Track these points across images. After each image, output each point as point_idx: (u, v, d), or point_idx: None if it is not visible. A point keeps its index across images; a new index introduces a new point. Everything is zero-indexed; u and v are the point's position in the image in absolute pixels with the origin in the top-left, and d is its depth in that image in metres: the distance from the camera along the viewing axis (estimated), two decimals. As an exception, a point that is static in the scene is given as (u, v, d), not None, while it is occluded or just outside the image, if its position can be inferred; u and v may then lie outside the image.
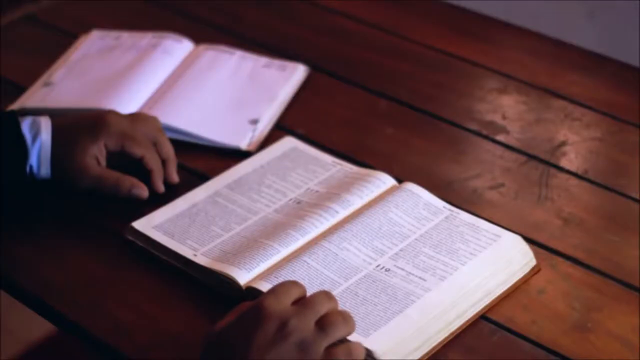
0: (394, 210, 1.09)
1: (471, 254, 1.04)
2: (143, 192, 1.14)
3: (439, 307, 0.98)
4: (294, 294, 0.91)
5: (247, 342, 0.87)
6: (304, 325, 0.88)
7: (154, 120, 1.20)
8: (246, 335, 0.87)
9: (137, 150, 1.15)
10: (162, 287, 1.05)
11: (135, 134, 1.16)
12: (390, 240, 1.06)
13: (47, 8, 1.54)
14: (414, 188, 1.12)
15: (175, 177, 1.18)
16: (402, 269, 1.02)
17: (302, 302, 0.90)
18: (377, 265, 1.03)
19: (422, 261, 1.03)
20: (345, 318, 0.90)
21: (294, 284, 0.93)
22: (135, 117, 1.19)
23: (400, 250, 1.05)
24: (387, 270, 1.03)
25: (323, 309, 0.90)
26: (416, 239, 1.06)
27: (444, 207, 1.11)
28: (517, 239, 1.06)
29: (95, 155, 1.14)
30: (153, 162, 1.16)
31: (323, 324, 0.89)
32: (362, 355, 0.91)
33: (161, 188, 1.16)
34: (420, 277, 1.01)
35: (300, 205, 1.12)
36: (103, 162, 1.15)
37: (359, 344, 0.91)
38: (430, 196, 1.11)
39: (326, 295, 0.92)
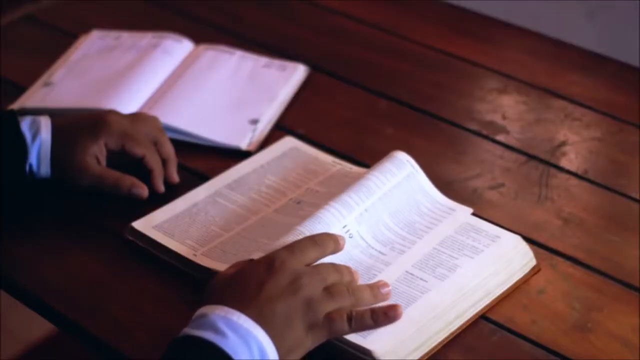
0: (394, 211, 1.09)
1: (471, 254, 1.04)
2: (143, 191, 1.14)
3: (439, 307, 0.98)
4: (310, 256, 0.95)
5: (258, 289, 0.90)
6: (314, 285, 0.92)
7: (154, 120, 1.20)
8: (258, 282, 0.91)
9: (138, 150, 1.15)
10: (162, 287, 1.05)
11: (136, 134, 1.16)
12: (391, 241, 1.06)
13: (47, 8, 1.54)
14: (420, 181, 1.11)
15: (175, 177, 1.18)
16: (402, 269, 1.02)
17: (314, 266, 0.94)
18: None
19: (421, 261, 1.03)
20: (353, 292, 0.94)
21: (312, 244, 0.96)
22: (135, 117, 1.19)
23: (400, 250, 1.05)
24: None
25: (331, 277, 0.94)
26: (416, 239, 1.06)
27: (444, 207, 1.11)
28: (517, 239, 1.06)
29: (96, 154, 1.14)
30: (153, 162, 1.16)
31: (331, 290, 0.93)
32: (367, 325, 0.93)
33: (161, 188, 1.16)
34: (420, 277, 1.01)
35: (300, 205, 1.12)
36: (103, 161, 1.15)
37: (363, 315, 0.93)
38: (436, 192, 1.11)
39: (334, 267, 0.96)
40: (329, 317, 0.92)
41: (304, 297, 0.91)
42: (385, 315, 0.94)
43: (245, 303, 0.89)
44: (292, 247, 0.95)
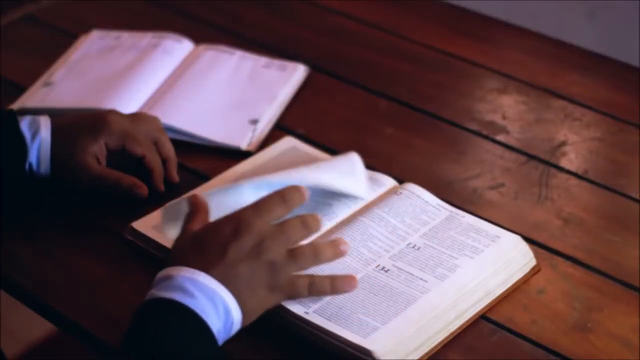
0: (394, 211, 1.09)
1: (471, 254, 1.04)
2: (143, 191, 1.14)
3: (439, 307, 0.98)
4: (275, 214, 0.96)
5: (223, 250, 0.93)
6: (277, 248, 0.94)
7: (154, 119, 1.20)
8: (222, 244, 0.93)
9: (138, 150, 1.15)
10: (162, 287, 1.05)
11: (136, 134, 1.16)
12: (390, 241, 1.06)
13: (47, 8, 1.54)
14: (414, 188, 1.12)
15: (175, 177, 1.18)
16: (402, 270, 1.02)
17: (279, 225, 0.95)
18: (377, 266, 1.03)
19: (421, 261, 1.03)
20: (316, 251, 0.96)
21: (277, 202, 0.97)
22: (136, 117, 1.19)
23: (400, 250, 1.05)
24: (387, 270, 1.03)
25: (297, 236, 0.96)
26: (416, 240, 1.06)
27: (444, 207, 1.11)
28: (517, 239, 1.06)
29: (96, 154, 1.14)
30: (153, 162, 1.16)
31: (294, 252, 0.95)
32: (325, 289, 0.96)
33: (161, 188, 1.16)
34: (420, 278, 1.01)
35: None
36: (103, 161, 1.15)
37: (323, 281, 0.96)
38: (430, 196, 1.11)
39: (302, 223, 0.96)
40: (291, 282, 0.95)
41: (267, 261, 0.93)
42: (343, 284, 0.97)
43: (210, 264, 0.92)
44: (258, 206, 0.96)
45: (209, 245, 0.94)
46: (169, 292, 0.90)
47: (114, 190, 1.14)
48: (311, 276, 0.96)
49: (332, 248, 0.97)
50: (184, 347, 0.88)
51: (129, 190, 1.14)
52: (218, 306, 0.90)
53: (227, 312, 0.91)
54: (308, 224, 0.97)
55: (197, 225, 0.98)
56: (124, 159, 1.16)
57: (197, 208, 1.00)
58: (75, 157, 1.13)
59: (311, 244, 0.97)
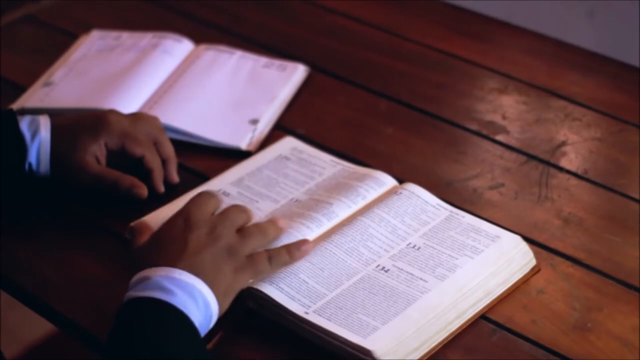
0: (394, 211, 1.09)
1: (471, 254, 1.04)
2: (142, 191, 1.14)
3: (439, 307, 0.98)
4: (212, 205, 1.01)
5: (184, 243, 0.96)
6: (228, 232, 0.98)
7: (154, 119, 1.20)
8: (181, 239, 0.96)
9: (138, 150, 1.15)
10: (162, 287, 1.05)
11: (136, 134, 1.16)
12: (390, 241, 1.06)
13: (47, 8, 1.54)
14: (414, 188, 1.12)
15: (175, 177, 1.18)
16: (402, 270, 1.02)
17: (221, 213, 1.01)
18: (377, 266, 1.03)
19: (421, 261, 1.03)
20: (261, 229, 1.01)
21: (209, 196, 1.02)
22: (136, 117, 1.19)
23: (400, 250, 1.05)
24: (387, 270, 1.03)
25: (240, 219, 1.01)
26: (416, 240, 1.06)
27: (444, 207, 1.11)
28: (517, 239, 1.06)
29: (95, 153, 1.14)
30: (153, 162, 1.16)
31: (243, 232, 1.00)
32: (284, 259, 1.00)
33: (161, 188, 1.16)
34: (420, 278, 1.01)
35: (300, 205, 1.12)
36: (103, 161, 1.15)
37: (279, 251, 1.01)
38: (430, 196, 1.11)
39: (238, 208, 1.02)
40: (252, 259, 0.98)
41: (224, 244, 0.97)
42: (299, 250, 1.01)
43: (176, 258, 0.94)
44: (194, 201, 1.01)
45: (168, 241, 0.97)
46: (148, 291, 0.91)
47: (113, 190, 1.14)
48: (268, 250, 1.00)
49: (273, 225, 1.03)
50: (169, 343, 0.89)
51: (128, 190, 1.14)
52: (197, 300, 0.92)
53: (206, 304, 0.93)
54: (243, 208, 1.02)
55: (145, 237, 1.01)
56: (124, 159, 1.16)
57: (141, 229, 1.04)
58: (74, 156, 1.13)
59: (256, 224, 1.02)
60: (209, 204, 1.01)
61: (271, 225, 1.03)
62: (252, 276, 0.99)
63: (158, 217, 1.10)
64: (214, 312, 0.94)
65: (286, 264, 1.01)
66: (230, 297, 0.97)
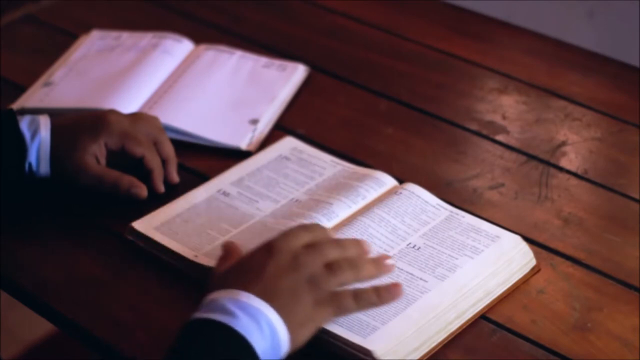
0: (394, 211, 1.09)
1: (471, 254, 1.04)
2: (142, 191, 1.14)
3: (439, 307, 0.98)
4: (304, 238, 0.95)
5: (260, 270, 0.91)
6: (313, 262, 0.92)
7: (154, 119, 1.20)
8: (259, 264, 0.92)
9: (138, 150, 1.15)
10: (162, 287, 1.05)
11: (136, 134, 1.16)
12: (390, 241, 1.06)
13: (47, 8, 1.54)
14: (414, 188, 1.12)
15: (175, 177, 1.18)
16: (402, 270, 1.02)
17: (312, 244, 0.94)
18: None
19: (421, 261, 1.03)
20: (354, 265, 0.94)
21: (304, 228, 0.96)
22: (136, 117, 1.19)
23: (400, 250, 1.05)
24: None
25: (331, 253, 0.94)
26: (416, 240, 1.06)
27: (444, 207, 1.11)
28: (517, 239, 1.06)
29: (95, 154, 1.14)
30: (153, 162, 1.16)
31: (331, 266, 0.93)
32: (371, 299, 0.93)
33: (161, 188, 1.16)
34: (420, 278, 1.01)
35: (301, 205, 1.12)
36: (103, 161, 1.15)
37: (367, 292, 0.93)
38: (430, 196, 1.11)
39: (334, 242, 0.96)
40: (336, 295, 0.92)
41: (306, 274, 0.92)
42: (388, 292, 0.94)
43: (249, 284, 0.90)
44: (284, 233, 0.96)
45: (245, 269, 0.93)
46: (210, 313, 0.88)
47: (113, 190, 1.14)
48: (355, 289, 0.94)
49: (374, 263, 0.96)
50: None
51: (128, 190, 1.14)
52: (262, 325, 0.88)
53: (272, 328, 0.88)
54: (343, 244, 0.96)
55: (229, 262, 0.97)
56: (124, 159, 1.16)
57: (232, 253, 0.99)
58: (74, 156, 1.13)
59: (349, 259, 0.95)
60: (300, 236, 0.95)
61: (370, 264, 0.95)
62: (334, 313, 0.93)
63: (158, 216, 1.11)
64: (282, 340, 0.89)
65: (373, 305, 0.94)
66: (308, 330, 0.91)
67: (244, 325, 0.87)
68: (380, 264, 0.96)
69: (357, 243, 0.97)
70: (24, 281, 1.07)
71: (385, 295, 0.94)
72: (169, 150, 1.18)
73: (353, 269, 0.94)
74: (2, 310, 1.92)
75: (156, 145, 1.17)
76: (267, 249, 0.94)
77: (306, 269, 0.92)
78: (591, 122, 1.30)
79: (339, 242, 0.96)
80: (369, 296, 0.94)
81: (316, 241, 0.95)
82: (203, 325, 0.88)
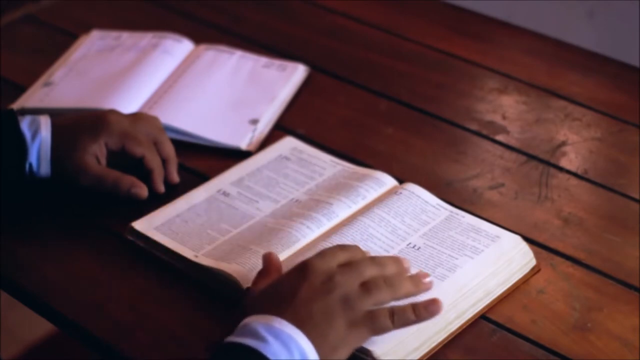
0: (394, 211, 1.09)
1: (471, 254, 1.04)
2: (143, 191, 1.14)
3: (439, 307, 0.98)
4: (340, 258, 0.94)
5: (293, 293, 0.90)
6: (348, 282, 0.91)
7: (154, 119, 1.20)
8: (292, 288, 0.91)
9: (138, 150, 1.15)
10: (162, 287, 1.05)
11: (136, 134, 1.15)
12: (390, 241, 1.06)
13: (47, 8, 1.54)
14: (414, 188, 1.12)
15: (175, 177, 1.18)
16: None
17: (348, 263, 0.93)
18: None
19: (422, 261, 1.03)
20: (391, 283, 0.92)
21: (340, 248, 0.95)
22: (136, 117, 1.19)
23: (400, 250, 1.05)
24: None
25: (367, 271, 0.93)
26: (416, 240, 1.06)
27: (444, 207, 1.11)
28: (517, 239, 1.06)
29: (96, 154, 1.14)
30: (154, 162, 1.16)
31: (367, 285, 0.91)
32: (409, 317, 0.92)
33: (161, 188, 1.16)
34: (420, 277, 1.01)
35: (301, 205, 1.12)
36: (103, 161, 1.15)
37: (404, 309, 0.92)
38: (430, 196, 1.11)
39: (372, 260, 0.94)
40: (371, 314, 0.91)
41: (340, 295, 0.90)
42: (426, 310, 0.93)
43: (282, 309, 0.89)
44: (321, 253, 0.95)
45: (278, 293, 0.92)
46: (242, 337, 0.88)
47: (113, 189, 1.14)
48: (392, 307, 0.92)
49: (412, 281, 0.94)
50: None
51: (128, 190, 1.14)
52: (293, 351, 0.87)
53: (303, 354, 0.87)
54: (381, 261, 0.95)
55: (265, 281, 0.96)
56: (124, 159, 1.16)
57: (270, 267, 0.98)
58: (74, 156, 1.13)
59: (386, 277, 0.93)
60: (337, 255, 0.94)
61: (408, 282, 0.94)
62: (370, 333, 0.91)
63: (158, 216, 1.11)
64: None
65: (410, 323, 0.92)
66: (342, 352, 0.90)
67: (275, 351, 0.86)
68: (419, 282, 0.95)
69: (396, 260, 0.96)
70: (24, 281, 1.07)
71: (423, 312, 0.93)
72: (169, 150, 1.18)
73: (390, 287, 0.92)
74: (2, 310, 1.92)
75: (156, 145, 1.17)
76: (302, 270, 0.92)
77: (340, 289, 0.90)
78: (591, 122, 1.30)
79: (377, 260, 0.95)
80: (406, 314, 0.92)
81: (353, 260, 0.94)
82: (234, 350, 0.87)
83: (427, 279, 0.95)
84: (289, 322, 0.88)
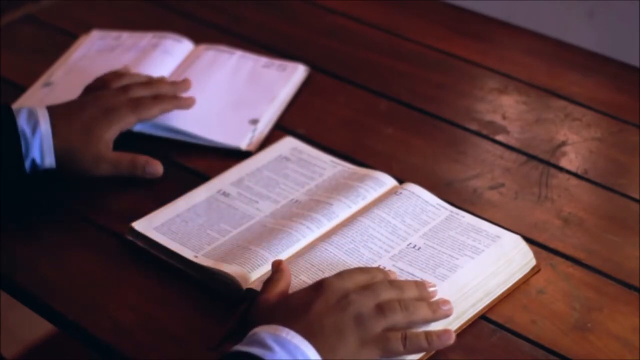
0: (394, 211, 1.09)
1: (471, 254, 1.04)
2: (158, 167, 1.17)
3: (439, 307, 0.98)
4: (359, 279, 0.94)
5: (307, 307, 0.90)
6: (364, 301, 0.91)
7: (137, 76, 1.24)
8: (306, 302, 0.91)
9: (152, 112, 1.20)
10: (162, 287, 1.05)
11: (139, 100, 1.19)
12: (391, 241, 1.06)
13: (47, 8, 1.54)
14: (414, 188, 1.12)
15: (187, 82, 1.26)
16: (402, 270, 1.02)
17: (366, 285, 0.94)
18: (378, 266, 1.03)
19: (422, 262, 1.03)
20: (406, 307, 0.93)
21: (360, 270, 0.96)
22: (126, 88, 1.21)
23: (400, 251, 1.05)
24: (387, 271, 1.02)
25: (384, 293, 0.93)
26: (416, 240, 1.06)
27: (444, 207, 1.11)
28: (517, 239, 1.06)
29: (109, 142, 1.15)
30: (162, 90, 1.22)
31: (382, 306, 0.92)
32: (421, 343, 0.92)
33: (160, 171, 1.18)
34: (420, 278, 1.01)
35: (301, 205, 1.12)
36: (112, 145, 1.16)
37: (417, 335, 0.92)
38: (430, 196, 1.11)
39: (390, 283, 0.95)
40: (383, 336, 0.91)
41: (354, 313, 0.91)
42: (439, 339, 0.93)
43: (293, 321, 0.89)
44: (339, 273, 0.95)
45: (292, 306, 0.92)
46: (249, 346, 0.88)
47: (130, 172, 1.15)
48: (404, 330, 0.92)
49: (430, 307, 0.95)
50: None
51: (144, 169, 1.16)
52: None
53: None
54: (400, 285, 0.95)
55: (273, 295, 0.95)
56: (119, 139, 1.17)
57: (280, 275, 0.98)
58: (90, 149, 1.14)
59: (403, 300, 0.94)
60: (355, 277, 0.94)
61: (424, 308, 0.94)
62: (380, 354, 0.90)
63: (158, 217, 1.11)
64: None
65: (422, 350, 0.93)
66: None
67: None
68: (437, 309, 0.95)
69: (418, 285, 0.96)
70: (24, 281, 1.07)
71: (436, 341, 0.93)
72: (140, 77, 1.24)
73: (405, 311, 0.93)
74: (2, 310, 1.92)
75: (129, 88, 1.21)
76: (318, 287, 0.93)
77: (355, 307, 0.91)
78: (591, 122, 1.30)
79: (396, 283, 0.95)
80: (419, 340, 0.92)
81: (372, 282, 0.94)
82: (239, 358, 0.87)
83: (446, 307, 0.96)
84: (298, 334, 0.88)
